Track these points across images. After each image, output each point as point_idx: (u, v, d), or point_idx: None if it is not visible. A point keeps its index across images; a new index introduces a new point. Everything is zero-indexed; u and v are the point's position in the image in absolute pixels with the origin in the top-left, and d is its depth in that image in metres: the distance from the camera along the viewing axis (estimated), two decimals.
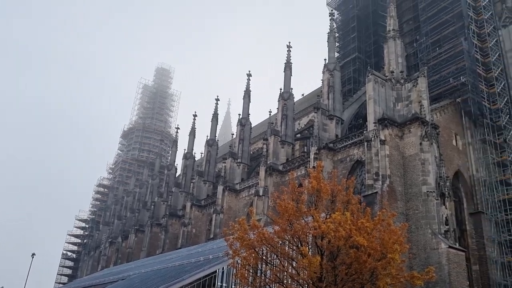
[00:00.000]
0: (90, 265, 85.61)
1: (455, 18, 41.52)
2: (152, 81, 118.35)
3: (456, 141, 39.06)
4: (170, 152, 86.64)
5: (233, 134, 68.56)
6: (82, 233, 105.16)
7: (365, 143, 34.33)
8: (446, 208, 31.55)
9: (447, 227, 30.82)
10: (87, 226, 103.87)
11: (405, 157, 33.99)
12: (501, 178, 37.95)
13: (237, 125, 57.39)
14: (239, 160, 53.96)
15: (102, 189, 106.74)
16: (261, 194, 44.05)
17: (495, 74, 40.54)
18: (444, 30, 42.02)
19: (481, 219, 36.52)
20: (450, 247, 29.48)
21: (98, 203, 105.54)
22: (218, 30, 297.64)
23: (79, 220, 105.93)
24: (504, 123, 39.31)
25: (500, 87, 40.26)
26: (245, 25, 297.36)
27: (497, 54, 41.74)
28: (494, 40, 42.15)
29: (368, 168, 33.35)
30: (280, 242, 21.71)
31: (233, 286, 26.07)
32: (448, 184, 32.78)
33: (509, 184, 37.42)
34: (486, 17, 42.39)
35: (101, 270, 72.57)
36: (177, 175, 74.41)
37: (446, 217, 31.13)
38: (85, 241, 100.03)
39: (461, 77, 38.59)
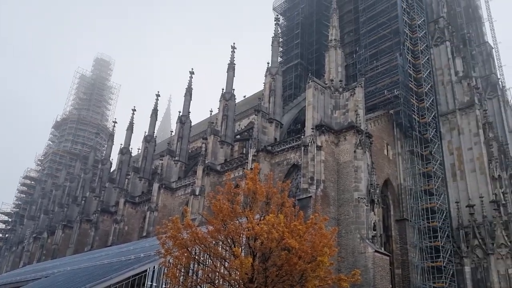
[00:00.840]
0: (11, 261, 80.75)
1: (392, 33, 43.68)
2: (90, 72, 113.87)
3: (387, 150, 40.97)
4: (105, 146, 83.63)
5: (172, 131, 67.58)
6: (3, 227, 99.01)
7: (302, 148, 35.18)
8: (374, 215, 32.99)
9: (374, 232, 32.23)
10: (10, 220, 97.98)
11: (340, 164, 35.18)
12: (425, 187, 40.31)
13: (176, 123, 56.61)
14: (176, 158, 53.26)
15: (28, 182, 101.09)
16: (197, 193, 43.76)
17: (425, 90, 43.05)
18: (381, 44, 44.04)
19: (405, 226, 38.55)
20: (376, 251, 30.86)
21: (24, 196, 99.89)
22: (164, 27, 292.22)
23: (1, 213, 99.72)
24: (430, 136, 41.83)
25: (429, 102, 42.79)
26: (192, 24, 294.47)
27: (428, 71, 44.37)
28: (426, 58, 44.77)
29: (303, 173, 34.19)
30: (214, 242, 21.67)
31: (163, 286, 25.66)
32: (378, 191, 34.31)
33: (432, 194, 39.83)
34: (420, 35, 44.93)
35: (23, 266, 68.72)
36: (112, 170, 72.09)
37: (374, 223, 32.55)
38: (6, 235, 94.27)
39: (395, 90, 40.63)
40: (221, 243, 21.80)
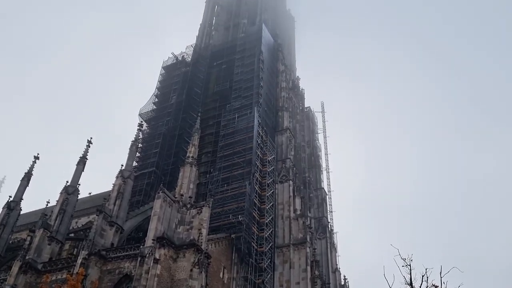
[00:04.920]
0: None
1: (245, 163, 47.16)
2: None
3: (223, 274, 41.32)
4: None
5: None
6: None
7: (139, 258, 33.66)
8: None
9: None
10: None
11: (174, 280, 34.20)
12: None
13: (3, 208, 50.29)
14: None
15: None
16: None
17: (267, 221, 46.01)
18: (234, 171, 46.97)
19: None
20: None
21: None
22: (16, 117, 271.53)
23: None
24: (265, 265, 43.72)
25: (268, 233, 45.52)
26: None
27: (271, 204, 47.98)
28: (271, 191, 48.69)
29: (135, 285, 32.29)
30: None
31: None
32: None
33: None
34: (269, 170, 49.27)
35: None
36: None
37: None
38: None
39: (239, 216, 42.61)
40: None
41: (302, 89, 75.72)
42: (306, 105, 74.21)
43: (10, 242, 50.67)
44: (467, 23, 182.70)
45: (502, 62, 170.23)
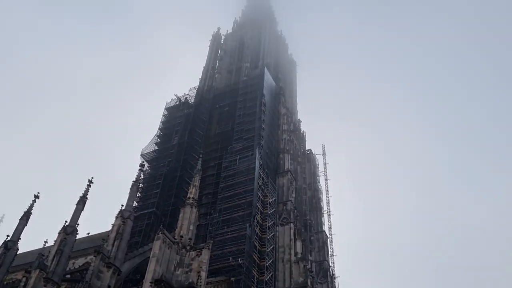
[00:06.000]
0: None
1: (246, 205, 46.91)
2: None
3: None
4: None
5: None
6: None
7: None
8: None
9: None
10: None
11: None
12: None
13: (0, 247, 49.64)
14: None
15: None
16: None
17: (267, 264, 45.24)
18: (235, 212, 46.67)
19: None
20: None
21: None
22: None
23: None
24: None
25: (268, 276, 44.65)
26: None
27: (272, 247, 47.33)
28: (272, 234, 48.15)
29: None
30: None
31: None
32: None
33: None
34: (270, 212, 48.93)
35: None
36: None
37: None
38: None
39: (239, 259, 41.96)
40: None
41: (303, 131, 76.42)
42: (307, 148, 74.66)
43: (5, 283, 49.68)
44: (466, 64, 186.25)
45: (503, 106, 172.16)
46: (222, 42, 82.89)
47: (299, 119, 79.23)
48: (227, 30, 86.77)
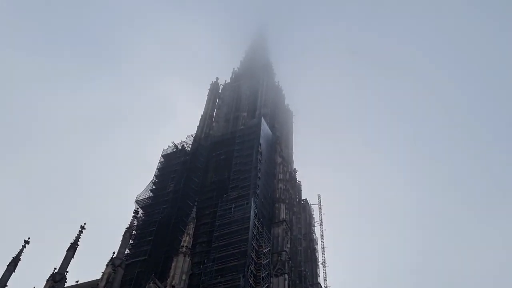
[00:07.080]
0: None
1: (240, 254, 46.09)
2: None
3: None
4: None
5: None
6: None
7: None
8: None
9: None
10: None
11: None
12: None
13: None
14: None
15: None
16: None
17: None
18: (229, 262, 45.76)
19: None
20: None
21: None
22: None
23: None
24: None
25: None
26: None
27: None
28: (266, 285, 46.95)
29: None
30: None
31: None
32: None
33: None
34: (264, 263, 47.97)
35: None
36: None
37: None
38: None
39: None
40: None
41: (299, 181, 76.27)
42: (303, 197, 74.24)
43: None
44: (460, 101, 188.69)
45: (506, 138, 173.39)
46: (220, 91, 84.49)
47: (295, 168, 79.40)
48: (225, 80, 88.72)
